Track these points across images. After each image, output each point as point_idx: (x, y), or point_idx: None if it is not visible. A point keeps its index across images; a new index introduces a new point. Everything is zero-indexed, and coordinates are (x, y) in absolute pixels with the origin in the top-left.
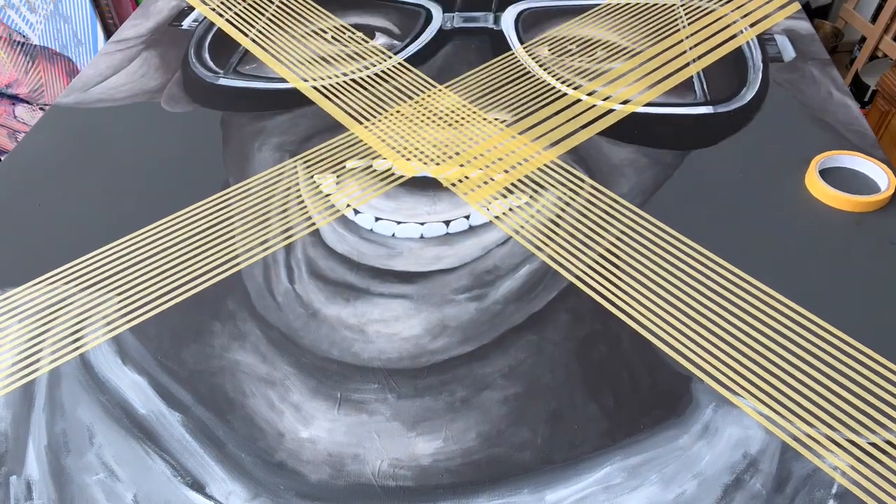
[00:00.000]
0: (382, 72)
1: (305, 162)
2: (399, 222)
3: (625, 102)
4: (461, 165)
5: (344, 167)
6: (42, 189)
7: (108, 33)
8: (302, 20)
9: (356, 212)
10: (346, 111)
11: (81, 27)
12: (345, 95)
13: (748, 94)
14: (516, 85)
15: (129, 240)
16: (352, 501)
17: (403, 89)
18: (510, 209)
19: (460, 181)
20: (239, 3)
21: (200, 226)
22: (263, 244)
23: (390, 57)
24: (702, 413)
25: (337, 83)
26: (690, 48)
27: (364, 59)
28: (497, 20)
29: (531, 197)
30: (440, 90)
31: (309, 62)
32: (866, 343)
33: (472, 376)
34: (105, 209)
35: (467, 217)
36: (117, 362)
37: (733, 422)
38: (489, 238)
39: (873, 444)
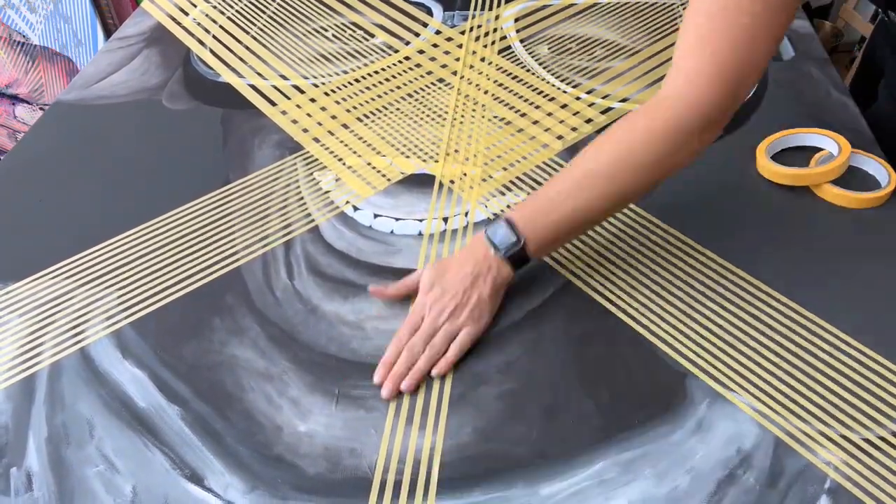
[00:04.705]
0: (382, 69)
1: (305, 159)
2: (398, 219)
3: (624, 101)
4: (460, 163)
5: (344, 164)
6: (44, 185)
7: (108, 33)
8: (303, 18)
9: (355, 208)
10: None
11: (81, 27)
12: (344, 94)
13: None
14: (516, 83)
15: (130, 235)
16: (348, 495)
17: (404, 87)
18: (508, 206)
19: (459, 178)
20: (241, 1)
21: (201, 222)
22: (263, 240)
23: (390, 54)
24: (696, 409)
25: (337, 82)
26: None
27: (364, 56)
28: (497, 18)
29: (529, 194)
30: (440, 88)
31: (309, 60)
32: (861, 340)
33: (469, 372)
34: (106, 205)
35: (466, 214)
36: (117, 356)
37: (727, 417)
38: None
39: (866, 440)
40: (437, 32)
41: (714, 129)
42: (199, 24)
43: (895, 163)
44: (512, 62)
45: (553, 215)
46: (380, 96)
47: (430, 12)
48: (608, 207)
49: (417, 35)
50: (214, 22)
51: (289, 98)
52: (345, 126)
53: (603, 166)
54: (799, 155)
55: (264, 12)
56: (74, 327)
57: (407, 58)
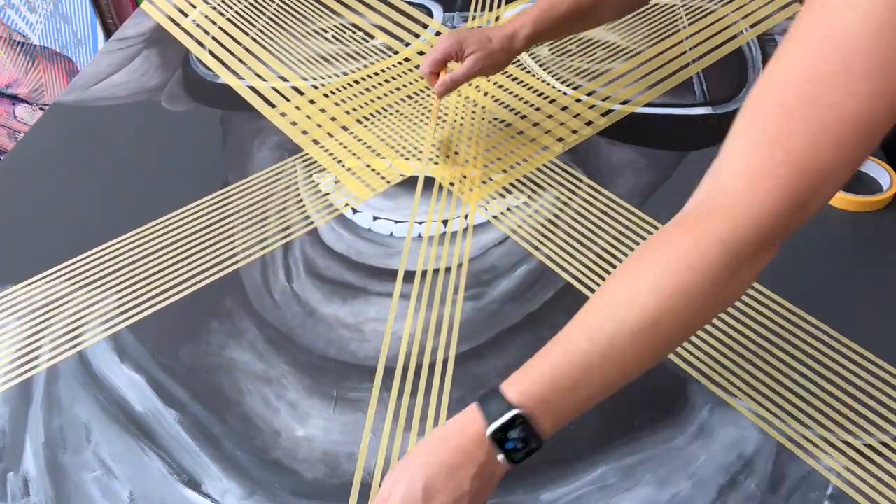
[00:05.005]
0: (382, 71)
1: (304, 161)
2: (397, 221)
3: (624, 103)
4: (460, 165)
5: (343, 166)
6: (44, 185)
7: (108, 33)
8: (302, 19)
9: (354, 211)
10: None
11: (81, 27)
12: (343, 95)
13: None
14: (516, 84)
15: (128, 238)
16: (346, 500)
17: (403, 88)
18: (508, 209)
19: (459, 181)
20: (241, 2)
21: (199, 224)
22: (262, 243)
23: (390, 56)
24: (698, 414)
25: (337, 84)
26: (690, 49)
27: (364, 58)
28: (497, 19)
29: (529, 197)
30: None
31: (309, 61)
32: (863, 344)
33: (469, 375)
34: (104, 207)
35: (465, 216)
36: (115, 360)
37: (729, 423)
38: (487, 238)
39: (868, 446)
40: (438, 34)
41: (768, 254)
42: (198, 25)
43: None
44: (512, 64)
45: (580, 390)
46: (379, 98)
47: (430, 13)
48: (645, 367)
49: (417, 36)
50: (214, 23)
51: (288, 100)
52: (344, 128)
53: (641, 313)
54: None
55: (264, 14)
56: (72, 330)
57: (407, 59)
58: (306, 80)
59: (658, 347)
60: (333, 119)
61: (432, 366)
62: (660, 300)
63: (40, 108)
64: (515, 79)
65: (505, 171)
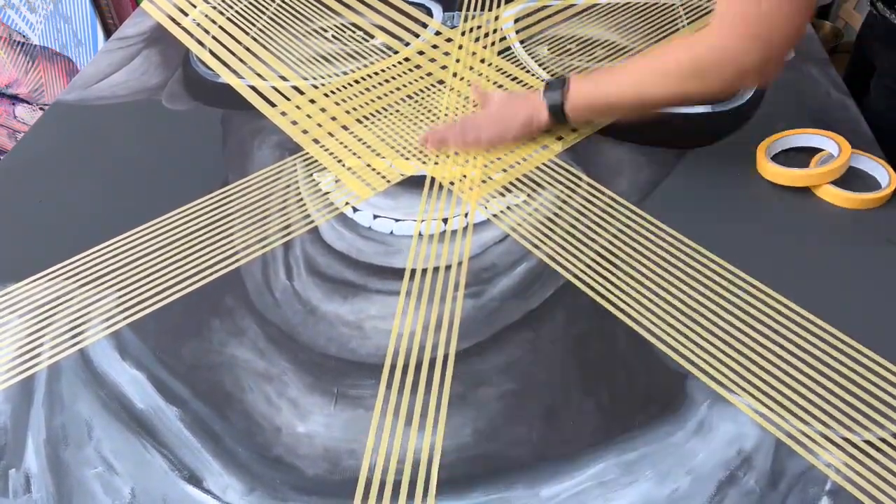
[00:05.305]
0: (382, 70)
1: (305, 160)
2: (397, 220)
3: None
4: (460, 164)
5: (343, 165)
6: (44, 185)
7: (108, 33)
8: (303, 18)
9: (354, 209)
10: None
11: (81, 27)
12: (343, 95)
13: (746, 94)
14: (516, 84)
15: (129, 236)
16: (347, 496)
17: (403, 88)
18: (508, 207)
19: (459, 179)
20: (241, 2)
21: (200, 223)
22: (262, 241)
23: (390, 55)
24: (697, 410)
25: (337, 83)
26: None
27: (364, 57)
28: (497, 19)
29: (529, 195)
30: (440, 89)
31: (309, 61)
32: (862, 341)
33: (469, 373)
34: (105, 206)
35: (465, 215)
36: (116, 357)
37: (728, 419)
38: (487, 236)
39: (868, 442)
40: (437, 33)
41: (747, 77)
42: (198, 24)
43: (891, 160)
44: (512, 63)
45: (607, 84)
46: (379, 98)
47: (429, 13)
48: (662, 95)
49: (417, 36)
50: (214, 23)
51: (288, 99)
52: (344, 127)
53: (645, 62)
54: (799, 156)
55: (264, 13)
56: (73, 328)
57: (406, 59)
58: (306, 79)
59: (659, 76)
60: (334, 118)
61: (433, 363)
62: (669, 58)
63: (40, 108)
64: (515, 78)
65: (505, 171)
